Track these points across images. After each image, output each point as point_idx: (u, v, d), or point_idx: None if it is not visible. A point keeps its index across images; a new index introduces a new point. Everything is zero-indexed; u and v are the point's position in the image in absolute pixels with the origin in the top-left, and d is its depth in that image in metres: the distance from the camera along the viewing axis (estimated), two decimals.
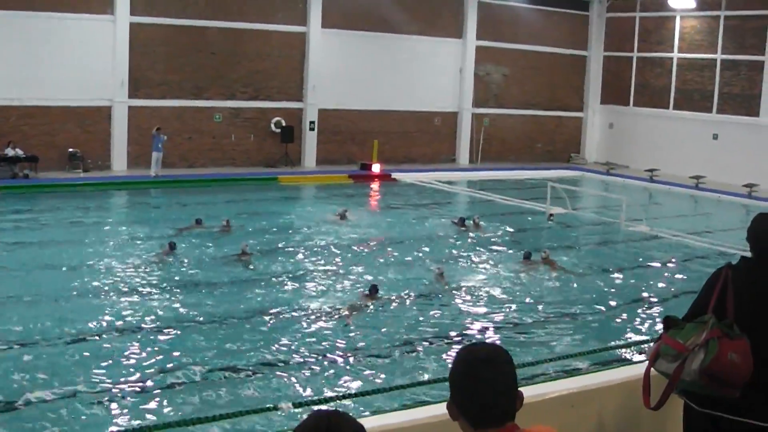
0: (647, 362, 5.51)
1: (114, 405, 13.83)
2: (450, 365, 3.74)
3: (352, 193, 39.29)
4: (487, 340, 16.65)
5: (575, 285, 23.38)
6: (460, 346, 3.81)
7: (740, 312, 5.29)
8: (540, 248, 26.57)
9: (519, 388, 3.70)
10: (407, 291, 21.61)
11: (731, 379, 5.08)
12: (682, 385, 5.24)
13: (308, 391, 14.57)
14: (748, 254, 5.68)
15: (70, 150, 38.76)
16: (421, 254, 26.18)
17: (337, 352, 16.86)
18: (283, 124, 44.10)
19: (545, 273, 24.39)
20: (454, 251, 27.03)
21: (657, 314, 20.73)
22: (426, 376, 14.93)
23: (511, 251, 26.73)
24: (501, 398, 3.63)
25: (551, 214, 33.85)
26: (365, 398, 13.05)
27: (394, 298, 20.86)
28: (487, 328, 18.97)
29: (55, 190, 35.19)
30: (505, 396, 3.65)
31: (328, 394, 14.12)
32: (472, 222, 30.91)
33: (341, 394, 13.88)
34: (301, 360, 16.31)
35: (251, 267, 23.79)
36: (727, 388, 5.12)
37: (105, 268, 22.70)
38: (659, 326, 19.10)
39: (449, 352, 16.80)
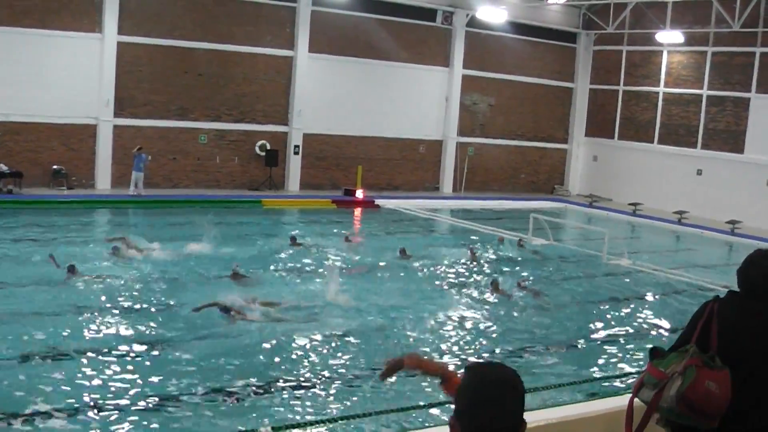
0: (632, 391, 5.48)
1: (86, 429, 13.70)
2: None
3: (335, 218, 39.23)
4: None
5: (554, 316, 23.29)
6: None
7: (723, 345, 5.26)
8: (520, 278, 26.62)
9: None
10: (390, 317, 21.56)
11: (707, 409, 5.04)
12: (660, 412, 5.21)
13: (287, 415, 14.47)
14: (736, 289, 5.66)
15: (55, 167, 38.66)
16: (405, 280, 26.10)
17: (316, 375, 16.76)
18: (268, 147, 44.09)
19: (523, 302, 24.32)
20: (438, 280, 26.95)
21: (636, 348, 20.67)
22: (401, 404, 14.82)
23: (500, 280, 26.54)
24: (503, 422, 3.58)
25: (520, 240, 34.22)
26: (343, 423, 13.01)
27: (377, 323, 20.81)
28: (465, 358, 18.89)
29: (39, 206, 35.03)
30: (508, 421, 3.60)
31: (307, 417, 14.04)
32: (469, 252, 30.86)
33: (320, 418, 13.81)
34: (281, 383, 16.19)
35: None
36: (703, 418, 5.08)
37: (81, 286, 22.59)
38: (637, 360, 19.24)
39: (424, 381, 16.77)
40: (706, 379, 5.03)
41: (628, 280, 29.57)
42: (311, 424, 12.62)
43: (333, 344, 19.15)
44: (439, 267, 28.83)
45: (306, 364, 17.55)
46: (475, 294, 25.05)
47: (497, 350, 19.71)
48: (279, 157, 44.53)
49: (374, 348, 18.97)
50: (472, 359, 18.62)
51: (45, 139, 38.70)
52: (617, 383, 16.40)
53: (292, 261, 28.15)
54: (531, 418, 6.44)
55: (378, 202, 44.15)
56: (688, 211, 45.06)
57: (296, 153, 45.30)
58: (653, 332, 22.42)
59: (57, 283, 22.68)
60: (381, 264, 28.67)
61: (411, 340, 19.81)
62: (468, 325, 21.79)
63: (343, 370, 17.26)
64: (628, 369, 18.58)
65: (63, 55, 38.43)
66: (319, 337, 19.48)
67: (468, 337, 20.70)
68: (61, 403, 14.24)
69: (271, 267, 26.86)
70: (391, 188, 48.46)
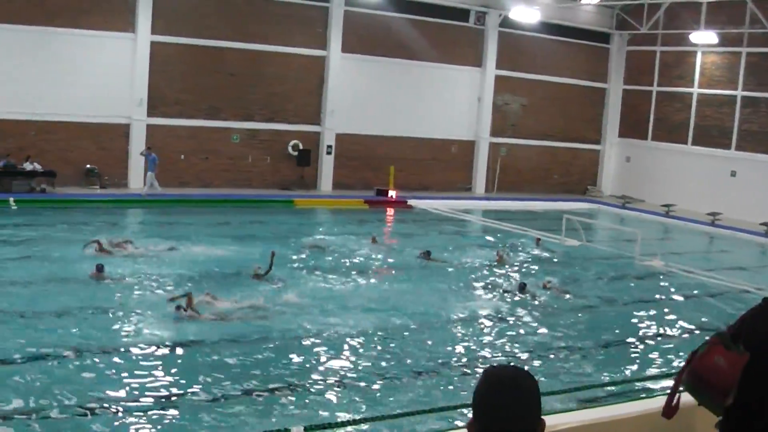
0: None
1: (119, 425, 13.72)
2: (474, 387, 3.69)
3: (368, 218, 39.26)
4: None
5: (585, 317, 23.23)
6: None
7: (748, 340, 5.21)
8: (545, 280, 26.45)
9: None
10: (413, 319, 21.51)
11: (713, 380, 5.00)
12: (684, 386, 5.20)
13: (320, 415, 14.46)
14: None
15: (88, 166, 38.87)
16: (430, 282, 26.04)
17: (348, 376, 16.77)
18: (301, 147, 44.13)
19: (551, 303, 24.22)
20: (469, 281, 26.86)
21: (666, 350, 20.56)
22: (430, 405, 14.78)
23: (529, 281, 26.34)
24: (520, 424, 3.57)
25: (538, 239, 34.34)
26: (375, 423, 12.98)
27: (403, 325, 20.79)
28: (492, 359, 18.83)
29: (71, 205, 35.24)
30: (525, 422, 3.58)
31: (339, 418, 14.03)
32: (496, 255, 30.66)
33: (352, 418, 13.79)
34: (312, 383, 16.21)
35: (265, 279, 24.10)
36: (711, 391, 5.04)
37: (107, 286, 22.72)
38: (668, 361, 19.08)
39: (456, 381, 16.76)
40: (716, 354, 5.02)
41: (660, 281, 29.41)
42: (344, 424, 12.59)
43: (357, 345, 19.17)
44: (466, 268, 28.77)
45: (331, 365, 17.53)
46: (502, 296, 24.95)
47: (523, 352, 19.59)
48: (311, 156, 44.58)
49: (393, 350, 18.96)
50: (495, 362, 18.57)
51: (77, 138, 38.88)
52: (648, 385, 16.30)
53: (314, 262, 28.04)
54: (560, 420, 6.39)
55: (410, 202, 44.11)
56: (722, 213, 44.69)
57: (329, 153, 45.34)
58: (685, 334, 22.26)
59: (83, 282, 22.79)
60: (405, 265, 28.66)
61: (434, 342, 19.78)
62: (493, 327, 21.71)
63: (366, 372, 17.23)
64: (659, 371, 18.47)
65: (95, 54, 38.64)
66: (344, 338, 19.50)
67: (492, 340, 20.62)
68: (87, 402, 14.30)
69: (294, 267, 26.75)
70: (422, 188, 48.34)
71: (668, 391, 5.31)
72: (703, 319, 23.72)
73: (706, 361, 5.03)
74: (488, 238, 36.33)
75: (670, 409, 5.27)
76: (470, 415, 3.69)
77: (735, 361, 5.02)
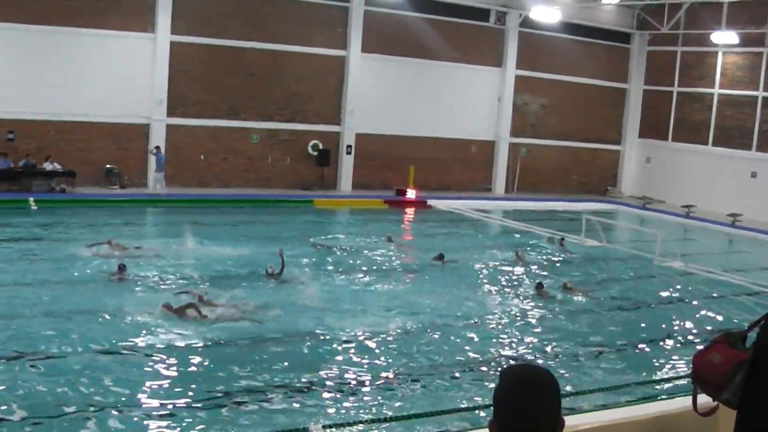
0: None
1: (136, 427, 13.71)
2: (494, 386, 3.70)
3: (387, 218, 39.26)
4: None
5: (604, 318, 23.14)
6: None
7: (761, 340, 5.18)
8: (566, 279, 26.37)
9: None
10: (434, 318, 21.48)
11: (706, 376, 4.99)
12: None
13: (338, 414, 14.45)
14: None
15: (108, 166, 38.96)
16: (447, 283, 25.99)
17: (368, 375, 16.75)
18: (320, 147, 44.14)
19: (570, 304, 24.15)
20: (488, 280, 26.81)
21: (684, 352, 20.45)
22: (449, 405, 14.74)
23: (549, 281, 26.31)
24: (540, 423, 3.59)
25: (562, 239, 34.25)
26: (394, 423, 12.94)
27: (421, 325, 20.76)
28: (511, 359, 18.78)
29: (91, 205, 35.34)
30: (545, 421, 3.61)
31: (358, 416, 14.01)
32: (515, 255, 30.60)
33: (371, 417, 13.76)
34: (332, 382, 16.18)
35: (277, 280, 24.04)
36: (705, 386, 5.03)
37: (128, 286, 22.70)
38: (686, 362, 18.99)
39: (474, 381, 16.71)
40: (714, 351, 5.00)
41: (680, 282, 29.26)
42: (362, 422, 12.57)
43: (375, 344, 19.10)
44: (485, 268, 28.70)
45: (349, 363, 17.49)
46: (519, 295, 24.87)
47: (542, 352, 19.52)
48: (331, 156, 44.59)
49: (411, 349, 18.87)
50: (514, 361, 18.51)
51: (97, 139, 39.01)
52: (667, 386, 16.23)
53: (331, 261, 28.07)
54: (580, 420, 6.34)
55: (430, 202, 44.10)
56: (742, 214, 44.50)
57: (349, 153, 45.35)
58: (704, 335, 22.12)
59: (101, 283, 22.81)
60: (423, 265, 28.60)
61: (452, 341, 19.73)
62: (511, 326, 21.62)
63: (384, 371, 17.21)
64: (680, 371, 18.37)
65: (115, 54, 38.76)
66: (362, 337, 19.47)
67: (511, 339, 20.53)
68: (107, 401, 14.31)
69: (310, 266, 26.67)
70: (442, 188, 48.33)
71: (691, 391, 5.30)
72: (723, 320, 23.61)
73: (704, 358, 5.02)
74: (507, 238, 36.25)
75: (709, 409, 5.24)
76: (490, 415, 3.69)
77: (730, 356, 5.01)
